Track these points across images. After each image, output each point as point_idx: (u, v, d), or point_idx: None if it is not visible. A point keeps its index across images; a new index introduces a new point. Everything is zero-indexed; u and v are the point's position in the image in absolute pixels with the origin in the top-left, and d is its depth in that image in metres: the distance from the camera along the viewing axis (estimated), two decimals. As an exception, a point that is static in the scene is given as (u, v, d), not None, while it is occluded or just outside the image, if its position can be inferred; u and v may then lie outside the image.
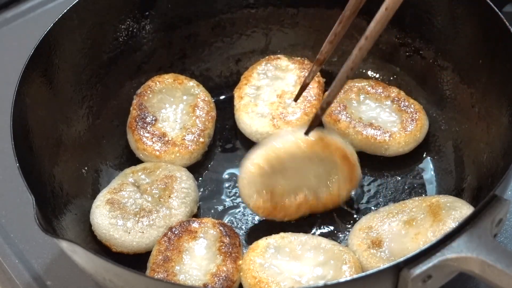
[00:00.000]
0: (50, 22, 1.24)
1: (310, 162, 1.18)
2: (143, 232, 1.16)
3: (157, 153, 1.28)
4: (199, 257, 1.13)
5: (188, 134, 1.31)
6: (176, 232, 1.14)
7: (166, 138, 1.30)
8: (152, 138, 1.29)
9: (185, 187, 1.22)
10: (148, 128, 1.30)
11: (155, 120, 1.32)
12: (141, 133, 1.30)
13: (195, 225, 1.16)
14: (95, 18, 1.31)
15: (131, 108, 1.34)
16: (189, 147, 1.29)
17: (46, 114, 1.22)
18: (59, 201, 1.17)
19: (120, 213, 1.18)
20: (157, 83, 1.36)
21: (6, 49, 1.59)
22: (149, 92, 1.35)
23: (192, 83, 1.39)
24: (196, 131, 1.31)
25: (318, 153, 1.17)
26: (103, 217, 1.18)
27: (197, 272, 1.11)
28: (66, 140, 1.25)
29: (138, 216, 1.18)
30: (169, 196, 1.20)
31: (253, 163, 1.17)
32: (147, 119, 1.31)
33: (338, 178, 1.19)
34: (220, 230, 1.16)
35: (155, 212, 1.18)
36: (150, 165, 1.27)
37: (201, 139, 1.31)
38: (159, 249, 1.13)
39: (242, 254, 1.15)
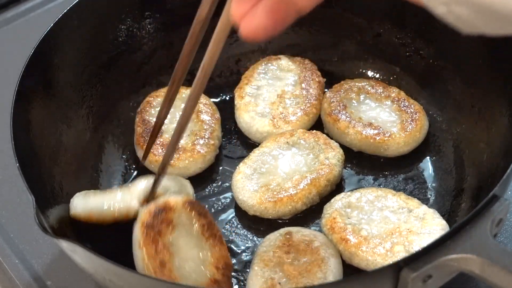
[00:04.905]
0: (50, 22, 1.24)
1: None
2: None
3: (171, 162, 1.27)
4: (188, 248, 1.08)
5: (197, 139, 1.30)
6: (153, 226, 1.06)
7: (176, 147, 1.29)
8: (162, 149, 1.29)
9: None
10: (156, 141, 1.30)
11: (161, 132, 1.31)
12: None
13: (168, 214, 1.07)
14: (95, 18, 1.32)
15: (135, 126, 1.34)
16: (201, 151, 1.29)
17: (46, 114, 1.22)
18: (59, 201, 1.17)
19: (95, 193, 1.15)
20: (155, 97, 1.37)
21: (6, 49, 1.59)
22: (148, 108, 1.35)
23: (189, 90, 1.38)
24: (205, 134, 1.31)
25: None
26: (79, 199, 1.15)
27: (194, 264, 1.07)
28: (66, 140, 1.25)
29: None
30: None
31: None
32: (153, 132, 1.31)
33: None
34: (193, 211, 1.09)
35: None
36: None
37: (211, 142, 1.31)
38: (149, 253, 1.05)
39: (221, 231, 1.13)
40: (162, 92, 1.38)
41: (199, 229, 1.09)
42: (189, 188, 1.22)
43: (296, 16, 0.78)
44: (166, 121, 1.33)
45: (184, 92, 1.38)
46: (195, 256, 1.09)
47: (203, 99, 1.37)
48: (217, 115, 1.36)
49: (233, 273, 1.15)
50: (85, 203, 1.13)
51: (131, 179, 1.32)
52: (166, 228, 1.07)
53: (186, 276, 1.07)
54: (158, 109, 1.35)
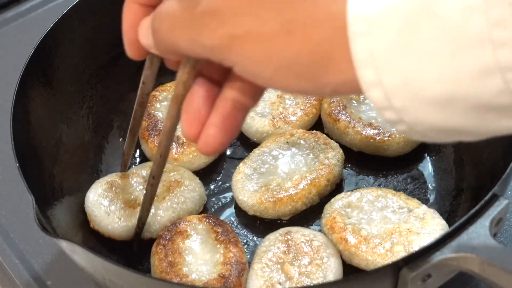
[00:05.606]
0: (50, 22, 1.24)
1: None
2: (120, 219, 1.17)
3: (175, 155, 1.28)
4: (200, 253, 1.13)
5: None
6: (167, 238, 1.14)
7: (180, 141, 1.30)
8: None
9: (185, 196, 1.21)
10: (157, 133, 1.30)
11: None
12: (155, 140, 1.30)
13: (182, 225, 1.15)
14: (95, 18, 1.31)
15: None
16: None
17: (46, 114, 1.22)
18: (59, 201, 1.17)
19: (113, 195, 1.19)
20: (161, 91, 1.37)
21: (6, 49, 1.59)
22: (154, 102, 1.35)
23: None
24: None
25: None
26: (95, 193, 1.20)
27: (206, 267, 1.11)
28: (66, 140, 1.25)
29: (126, 204, 1.19)
30: (164, 198, 1.20)
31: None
32: (158, 127, 1.31)
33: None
34: (208, 222, 1.16)
35: None
36: (170, 167, 1.26)
37: None
38: (159, 258, 1.12)
39: (238, 237, 1.16)
40: (168, 86, 1.38)
41: (214, 236, 1.14)
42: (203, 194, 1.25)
43: (247, 113, 0.78)
44: None
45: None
46: (208, 259, 1.12)
47: None
48: None
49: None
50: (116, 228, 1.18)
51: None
52: (179, 236, 1.14)
53: (197, 274, 1.10)
54: (164, 103, 1.35)
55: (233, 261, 1.10)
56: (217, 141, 0.76)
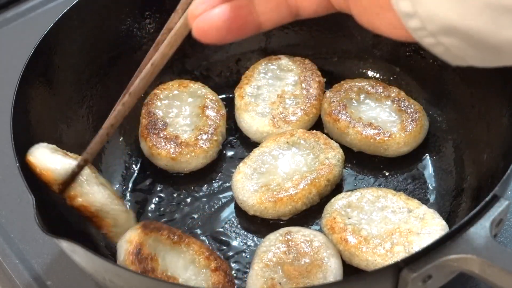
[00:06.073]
0: (50, 22, 1.24)
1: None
2: (64, 156, 1.08)
3: (173, 155, 1.28)
4: (176, 263, 1.10)
5: (200, 134, 1.30)
6: (148, 268, 1.06)
7: (179, 141, 1.29)
8: (165, 142, 1.29)
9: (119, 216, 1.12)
10: (160, 134, 1.30)
11: (166, 125, 1.32)
12: (154, 139, 1.30)
13: (144, 251, 1.06)
14: (95, 18, 1.31)
15: (141, 118, 1.34)
16: (204, 146, 1.29)
17: (46, 114, 1.22)
18: (59, 201, 1.17)
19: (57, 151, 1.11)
20: (163, 90, 1.37)
21: (6, 49, 1.59)
22: (155, 100, 1.35)
23: (197, 85, 1.39)
24: (209, 130, 1.31)
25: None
26: (38, 145, 1.09)
27: (192, 271, 1.09)
28: (66, 140, 1.25)
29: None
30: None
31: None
32: (157, 125, 1.31)
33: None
34: (152, 231, 1.09)
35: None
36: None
37: (214, 138, 1.31)
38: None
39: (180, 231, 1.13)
40: (170, 85, 1.38)
41: (169, 241, 1.11)
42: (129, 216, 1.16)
43: (255, 30, 0.78)
44: (171, 115, 1.33)
45: (192, 87, 1.38)
46: (186, 263, 1.10)
47: (210, 95, 1.37)
48: (223, 111, 1.36)
49: (233, 273, 1.16)
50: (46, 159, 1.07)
51: (131, 179, 1.32)
52: (154, 262, 1.08)
53: (196, 282, 1.08)
54: (164, 102, 1.35)
55: (206, 252, 1.10)
56: (214, 24, 0.75)
